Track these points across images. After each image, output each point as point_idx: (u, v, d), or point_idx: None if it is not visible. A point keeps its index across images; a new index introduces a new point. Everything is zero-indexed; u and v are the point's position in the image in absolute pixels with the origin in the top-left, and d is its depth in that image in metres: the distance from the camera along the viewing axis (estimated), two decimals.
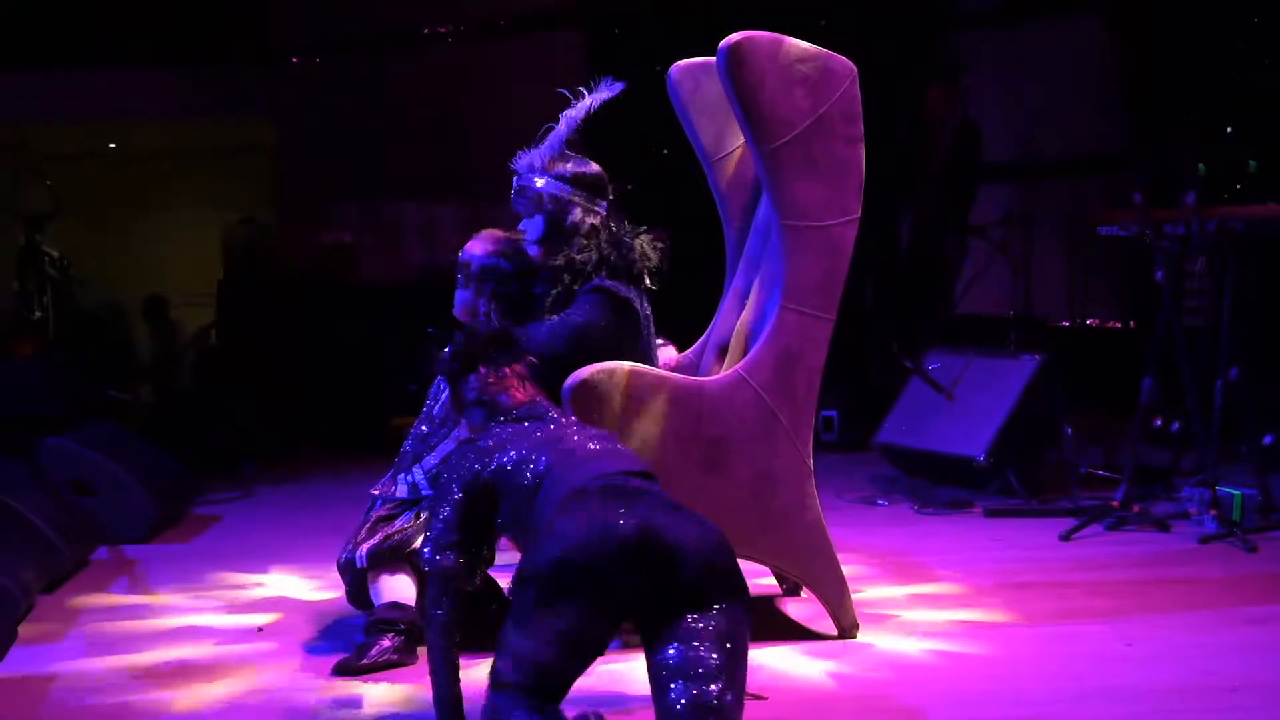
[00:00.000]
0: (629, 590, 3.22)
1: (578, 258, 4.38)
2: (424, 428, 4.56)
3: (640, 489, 3.36)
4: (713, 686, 3.15)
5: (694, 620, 3.20)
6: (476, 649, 4.21)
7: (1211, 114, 8.29)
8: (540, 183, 4.43)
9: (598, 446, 3.54)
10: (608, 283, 4.33)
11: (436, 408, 4.55)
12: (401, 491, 4.48)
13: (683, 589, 3.20)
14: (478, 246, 4.62)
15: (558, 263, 4.39)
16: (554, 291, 4.40)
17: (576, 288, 4.35)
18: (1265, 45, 8.12)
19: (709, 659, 3.17)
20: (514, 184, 4.47)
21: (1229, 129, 7.66)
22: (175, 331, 12.29)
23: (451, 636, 3.52)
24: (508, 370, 3.82)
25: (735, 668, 3.21)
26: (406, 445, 4.58)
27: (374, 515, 4.49)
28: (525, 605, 3.27)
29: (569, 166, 4.45)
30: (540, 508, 3.44)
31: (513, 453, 3.54)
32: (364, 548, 4.40)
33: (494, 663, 3.30)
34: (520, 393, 3.80)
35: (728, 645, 3.20)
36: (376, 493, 4.54)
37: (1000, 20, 10.75)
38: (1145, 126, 9.09)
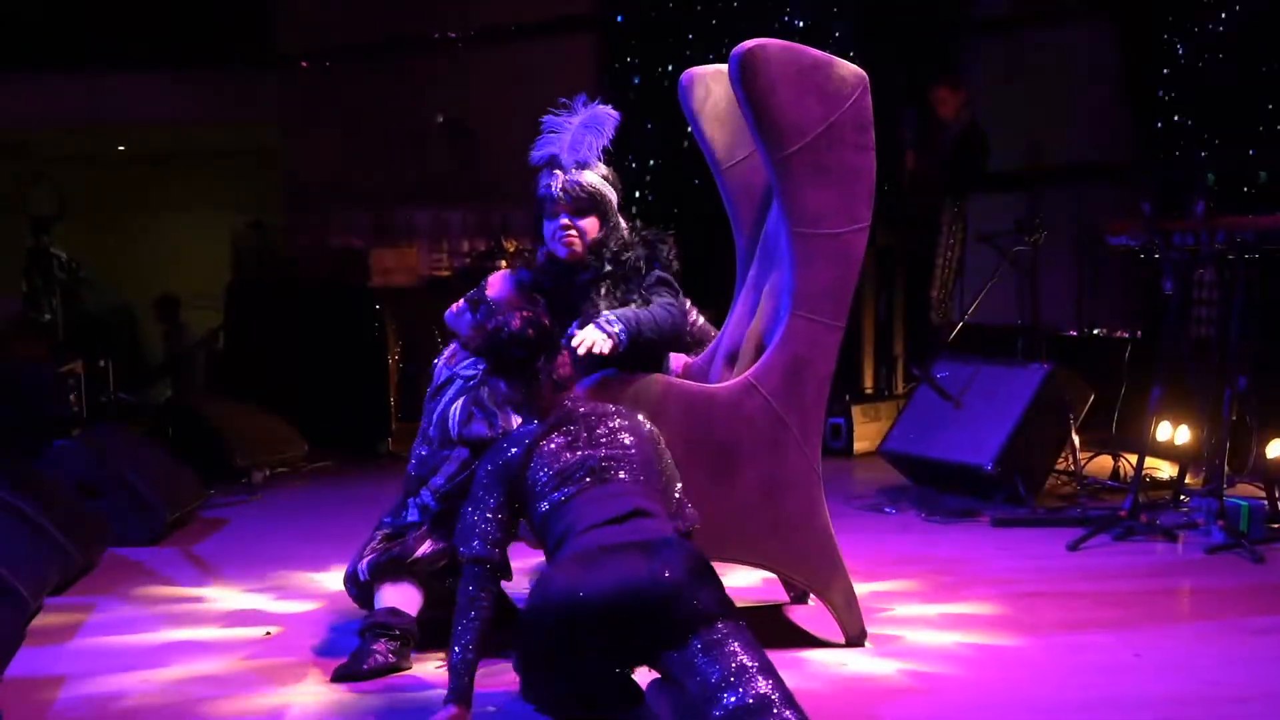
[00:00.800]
0: (608, 644, 3.51)
1: (627, 256, 4.46)
2: (423, 450, 4.56)
3: (622, 544, 3.58)
4: (759, 684, 3.35)
5: (705, 640, 3.42)
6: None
7: (1221, 123, 8.28)
8: (595, 181, 4.49)
9: (602, 482, 3.76)
10: (665, 274, 4.46)
11: (431, 428, 4.54)
12: (413, 515, 4.50)
13: (668, 631, 3.45)
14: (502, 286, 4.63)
15: (606, 260, 4.45)
16: (618, 292, 4.44)
17: (646, 276, 4.44)
18: (1268, 48, 8.12)
19: (740, 662, 3.39)
20: (560, 180, 4.47)
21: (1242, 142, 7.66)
22: (184, 332, 12.31)
23: (489, 626, 3.68)
24: (539, 375, 3.91)
25: (765, 662, 3.41)
26: (410, 468, 4.59)
27: (380, 533, 4.51)
28: (530, 647, 3.62)
29: (604, 169, 4.54)
30: (545, 541, 3.78)
31: (541, 476, 3.77)
32: (365, 561, 4.44)
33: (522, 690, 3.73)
34: (549, 397, 3.92)
35: (747, 646, 3.42)
36: (388, 520, 4.54)
37: (1008, 27, 10.75)
38: (1153, 135, 9.08)
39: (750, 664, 3.39)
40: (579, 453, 3.81)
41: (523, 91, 10.43)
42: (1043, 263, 7.59)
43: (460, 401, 4.46)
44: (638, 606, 3.45)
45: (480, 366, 4.46)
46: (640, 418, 3.98)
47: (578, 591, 3.48)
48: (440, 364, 4.67)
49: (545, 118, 4.55)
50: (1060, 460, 6.91)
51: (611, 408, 3.96)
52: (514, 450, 3.84)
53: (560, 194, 4.46)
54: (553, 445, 3.83)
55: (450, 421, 4.45)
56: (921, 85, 9.39)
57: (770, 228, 4.67)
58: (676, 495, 3.94)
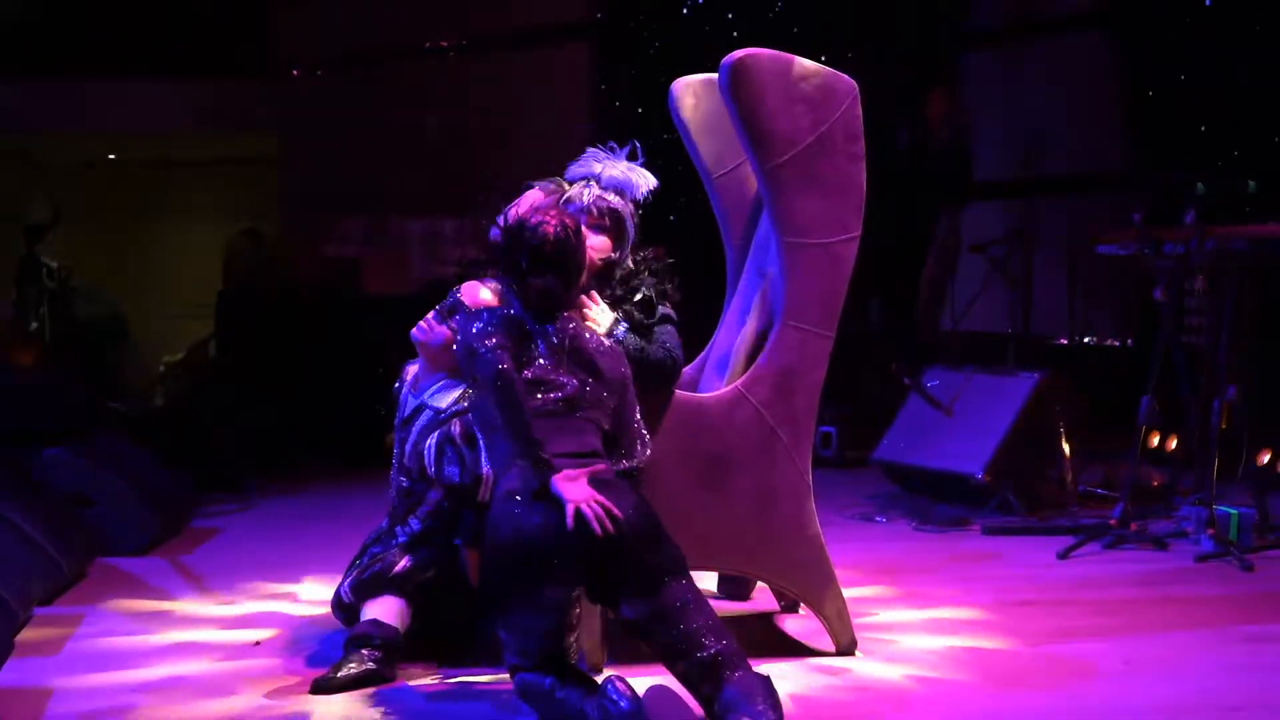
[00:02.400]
0: (560, 575, 3.65)
1: (635, 282, 4.37)
2: (404, 481, 4.54)
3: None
4: (709, 644, 3.60)
5: (663, 598, 3.63)
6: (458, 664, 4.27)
7: (1211, 133, 8.30)
8: (621, 207, 4.39)
9: (570, 413, 3.82)
10: (669, 311, 4.41)
11: (407, 459, 4.50)
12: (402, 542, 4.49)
13: (615, 571, 3.63)
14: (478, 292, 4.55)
15: (614, 285, 4.37)
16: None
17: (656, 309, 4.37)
18: (1257, 59, 8.14)
19: (691, 628, 3.62)
20: (592, 191, 4.38)
21: (1232, 151, 7.68)
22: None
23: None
24: (545, 290, 3.91)
25: (711, 620, 3.64)
26: (392, 497, 4.57)
27: (366, 557, 4.51)
28: (489, 591, 3.74)
29: (632, 207, 4.44)
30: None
31: (523, 372, 3.80)
32: (347, 582, 4.45)
33: (505, 657, 3.78)
34: (545, 310, 3.93)
35: (698, 604, 3.66)
36: (378, 550, 4.53)
37: (1003, 39, 10.77)
38: (1145, 145, 9.10)
39: (701, 624, 3.61)
40: (559, 374, 3.84)
41: (517, 100, 10.49)
42: (1035, 271, 7.60)
43: (433, 439, 4.40)
44: (598, 541, 3.57)
45: (450, 389, 4.42)
46: (622, 363, 3.99)
47: (515, 526, 3.63)
48: (405, 391, 4.60)
49: (590, 148, 4.47)
50: (1051, 468, 6.91)
51: (597, 343, 3.96)
52: (509, 315, 3.87)
53: (587, 204, 4.34)
54: (540, 348, 3.86)
55: (426, 460, 4.40)
56: (915, 98, 9.41)
57: (761, 236, 4.67)
58: (635, 426, 3.98)
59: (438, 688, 4.17)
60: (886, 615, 4.94)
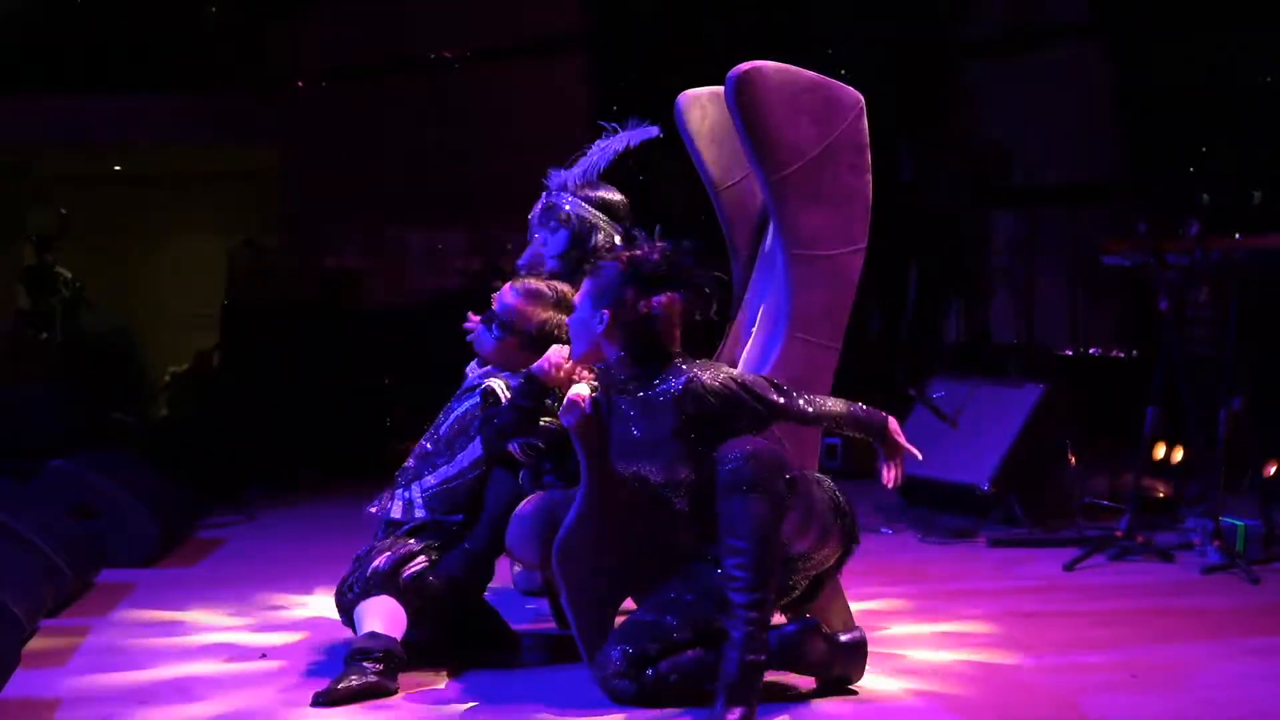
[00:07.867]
0: None
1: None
2: (428, 445, 4.56)
3: None
4: None
5: None
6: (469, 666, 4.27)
7: (1214, 143, 8.31)
8: (568, 203, 4.70)
9: None
10: None
11: (444, 428, 4.55)
12: (396, 511, 4.49)
13: None
14: (509, 295, 4.58)
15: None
16: None
17: None
18: (1259, 67, 8.16)
19: None
20: (542, 200, 4.74)
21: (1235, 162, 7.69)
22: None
23: None
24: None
25: None
26: (409, 462, 4.59)
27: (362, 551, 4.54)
28: None
29: (598, 193, 4.73)
30: None
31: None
32: (336, 590, 4.49)
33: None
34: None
35: None
36: (373, 510, 4.56)
37: (1002, 49, 10.80)
38: (1146, 155, 9.11)
39: None
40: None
41: (516, 110, 10.51)
42: (1038, 282, 7.61)
43: (469, 405, 4.51)
44: None
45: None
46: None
47: None
48: (472, 374, 4.74)
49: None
50: (1056, 480, 6.91)
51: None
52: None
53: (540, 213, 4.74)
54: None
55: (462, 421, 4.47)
56: (915, 109, 9.43)
57: (767, 249, 4.67)
58: None
59: (440, 699, 4.16)
60: (892, 626, 4.94)
